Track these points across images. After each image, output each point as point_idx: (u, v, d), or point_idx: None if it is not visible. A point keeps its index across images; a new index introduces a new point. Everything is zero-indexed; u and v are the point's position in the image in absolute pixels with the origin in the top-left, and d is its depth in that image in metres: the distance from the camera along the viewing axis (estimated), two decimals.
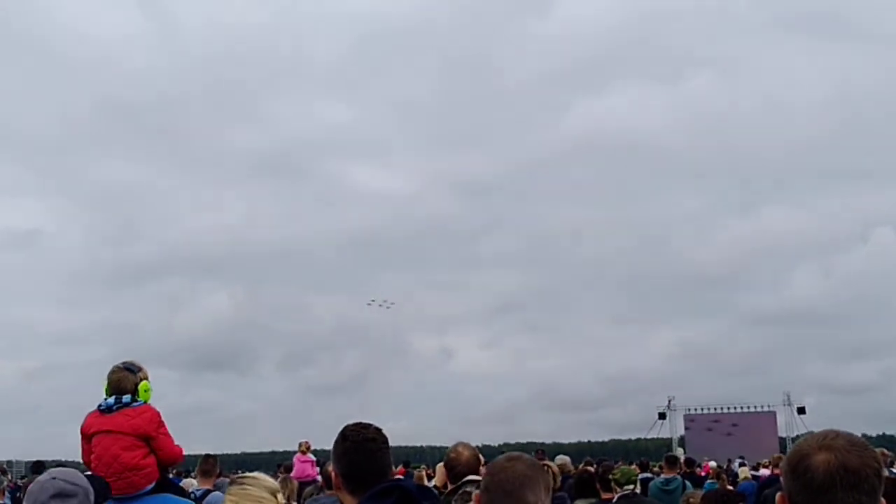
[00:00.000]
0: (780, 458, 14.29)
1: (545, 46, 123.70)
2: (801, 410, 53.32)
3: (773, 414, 54.71)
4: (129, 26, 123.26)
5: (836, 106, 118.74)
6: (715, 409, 56.02)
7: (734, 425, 53.93)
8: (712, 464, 32.07)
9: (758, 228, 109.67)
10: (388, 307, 72.23)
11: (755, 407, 55.24)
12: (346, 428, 3.32)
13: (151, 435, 5.21)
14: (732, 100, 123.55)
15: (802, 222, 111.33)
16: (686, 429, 56.19)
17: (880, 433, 79.62)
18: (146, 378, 5.37)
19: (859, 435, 2.23)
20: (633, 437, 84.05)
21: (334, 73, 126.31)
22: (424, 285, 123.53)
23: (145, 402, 5.30)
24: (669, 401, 57.19)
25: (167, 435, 5.30)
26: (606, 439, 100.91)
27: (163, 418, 5.32)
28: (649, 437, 61.83)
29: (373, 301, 72.61)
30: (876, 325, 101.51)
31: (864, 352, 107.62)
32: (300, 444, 16.63)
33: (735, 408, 55.48)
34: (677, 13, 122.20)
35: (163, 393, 5.58)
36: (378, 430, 3.34)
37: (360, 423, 3.35)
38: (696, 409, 56.67)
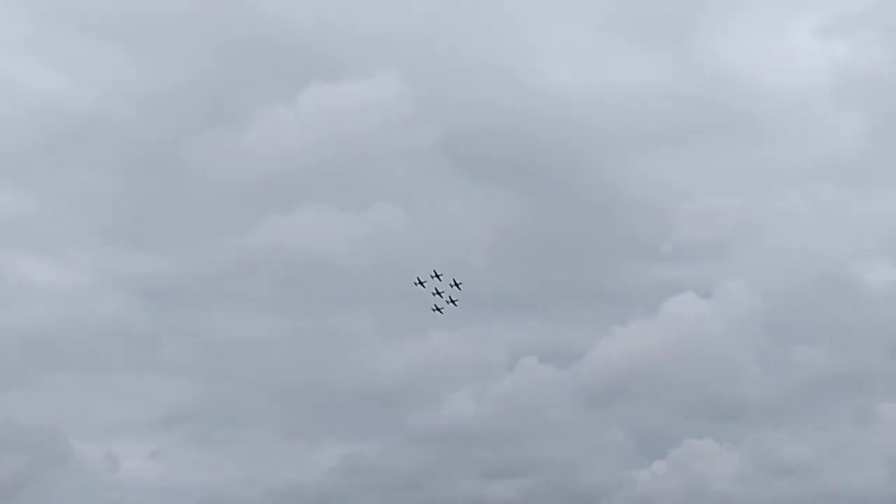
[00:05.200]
0: None
1: (240, 160, 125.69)
2: None
3: None
4: None
5: (498, 244, 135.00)
6: None
7: None
8: None
9: (424, 351, 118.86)
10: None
11: None
12: None
13: None
14: (410, 231, 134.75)
15: (462, 348, 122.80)
16: None
17: None
18: None
19: None
20: None
21: (11, 163, 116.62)
22: (94, 389, 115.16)
23: None
24: None
25: None
26: None
27: None
28: None
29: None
30: (519, 445, 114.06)
31: (507, 470, 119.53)
32: None
33: None
34: (367, 149, 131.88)
35: None
36: None
37: None
38: None
